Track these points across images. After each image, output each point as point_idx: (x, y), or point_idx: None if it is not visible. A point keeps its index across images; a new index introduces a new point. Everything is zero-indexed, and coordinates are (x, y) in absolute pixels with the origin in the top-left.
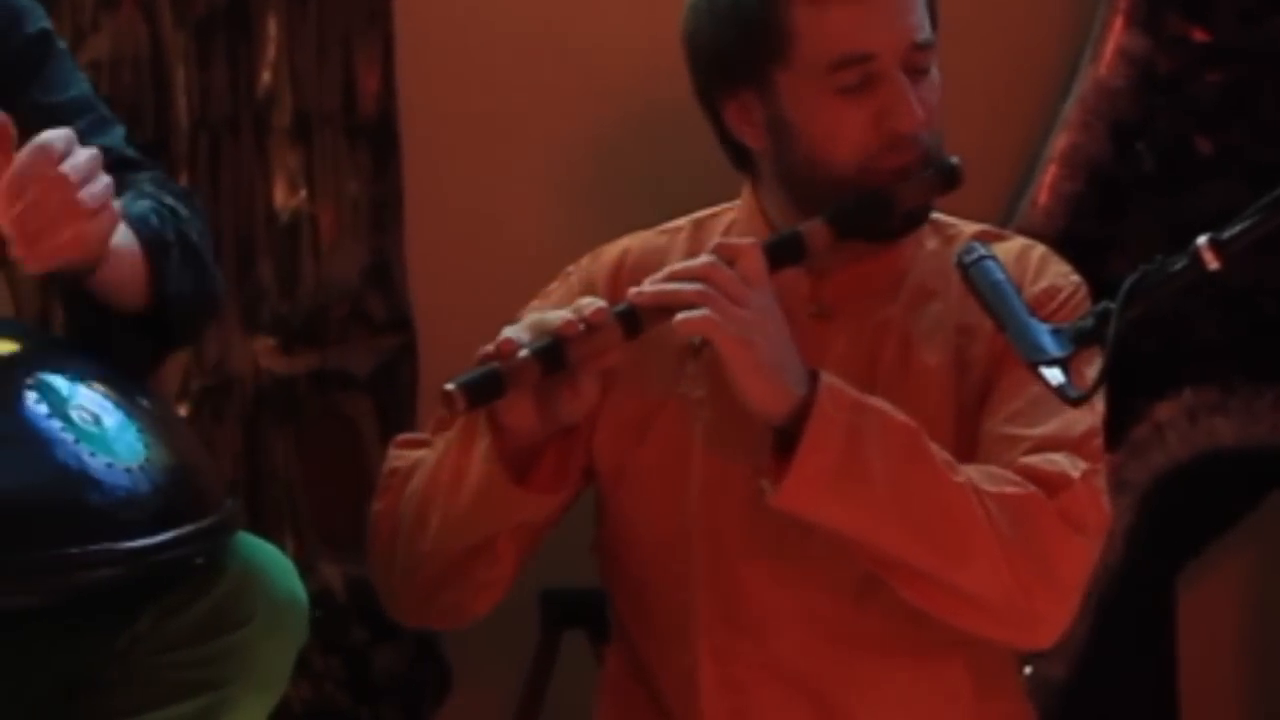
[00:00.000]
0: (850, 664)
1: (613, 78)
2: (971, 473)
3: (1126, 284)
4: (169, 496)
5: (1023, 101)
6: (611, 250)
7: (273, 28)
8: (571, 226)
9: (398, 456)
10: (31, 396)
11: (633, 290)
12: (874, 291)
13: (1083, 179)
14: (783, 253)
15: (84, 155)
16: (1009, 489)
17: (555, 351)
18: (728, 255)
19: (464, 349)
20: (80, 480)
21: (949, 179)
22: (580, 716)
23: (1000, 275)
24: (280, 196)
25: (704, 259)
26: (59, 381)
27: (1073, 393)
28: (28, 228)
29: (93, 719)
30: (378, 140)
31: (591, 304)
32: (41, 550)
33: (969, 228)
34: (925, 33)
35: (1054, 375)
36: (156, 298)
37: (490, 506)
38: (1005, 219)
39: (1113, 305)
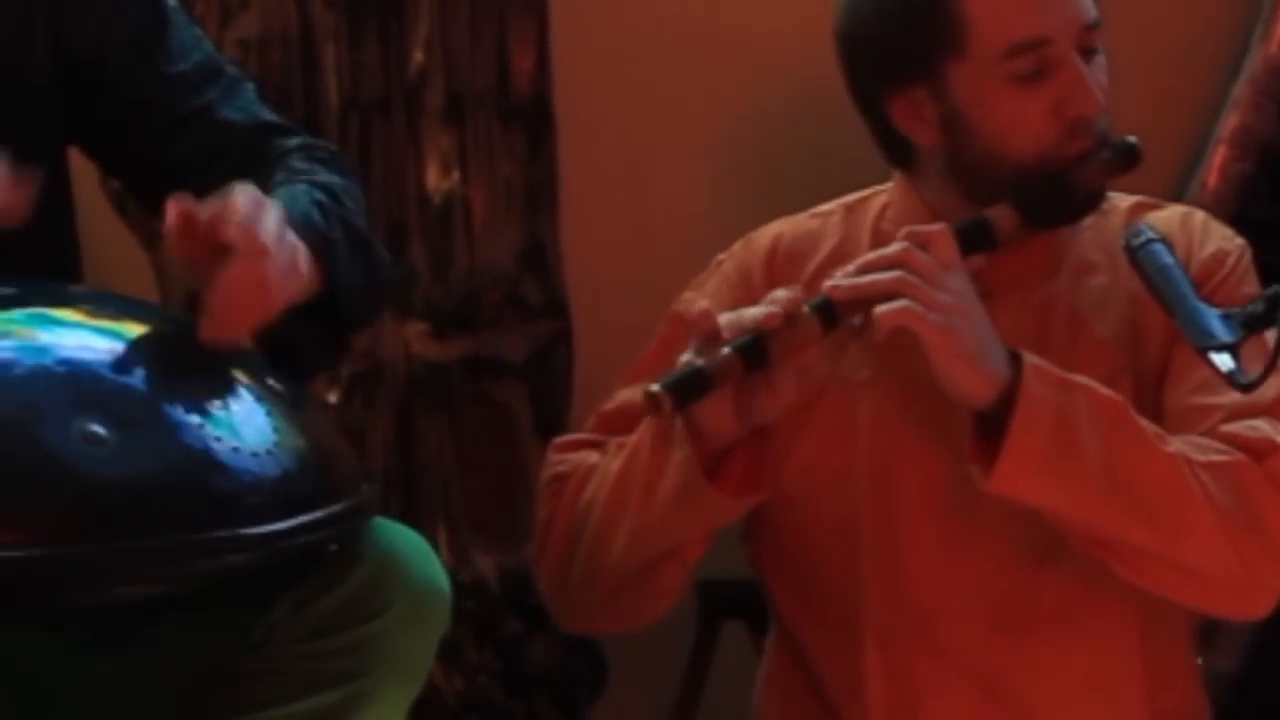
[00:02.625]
0: (1020, 649)
1: (770, 58)
2: (1177, 443)
3: None
4: (299, 481)
5: (1192, 81)
6: (763, 236)
7: (425, 5)
8: (729, 209)
9: (560, 461)
10: (156, 380)
11: (829, 283)
12: (1034, 269)
13: (1253, 160)
14: (973, 238)
15: (274, 216)
16: (1217, 457)
17: (757, 347)
18: (920, 241)
19: (620, 334)
20: (206, 465)
21: (1128, 159)
22: (739, 709)
23: (1168, 259)
24: (433, 179)
25: (898, 246)
26: (185, 365)
27: (1242, 379)
28: (241, 305)
29: (230, 711)
30: (532, 121)
31: (790, 297)
32: (166, 537)
33: (1124, 200)
34: (1094, 12)
35: (1223, 361)
36: (328, 292)
37: (688, 512)
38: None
39: None
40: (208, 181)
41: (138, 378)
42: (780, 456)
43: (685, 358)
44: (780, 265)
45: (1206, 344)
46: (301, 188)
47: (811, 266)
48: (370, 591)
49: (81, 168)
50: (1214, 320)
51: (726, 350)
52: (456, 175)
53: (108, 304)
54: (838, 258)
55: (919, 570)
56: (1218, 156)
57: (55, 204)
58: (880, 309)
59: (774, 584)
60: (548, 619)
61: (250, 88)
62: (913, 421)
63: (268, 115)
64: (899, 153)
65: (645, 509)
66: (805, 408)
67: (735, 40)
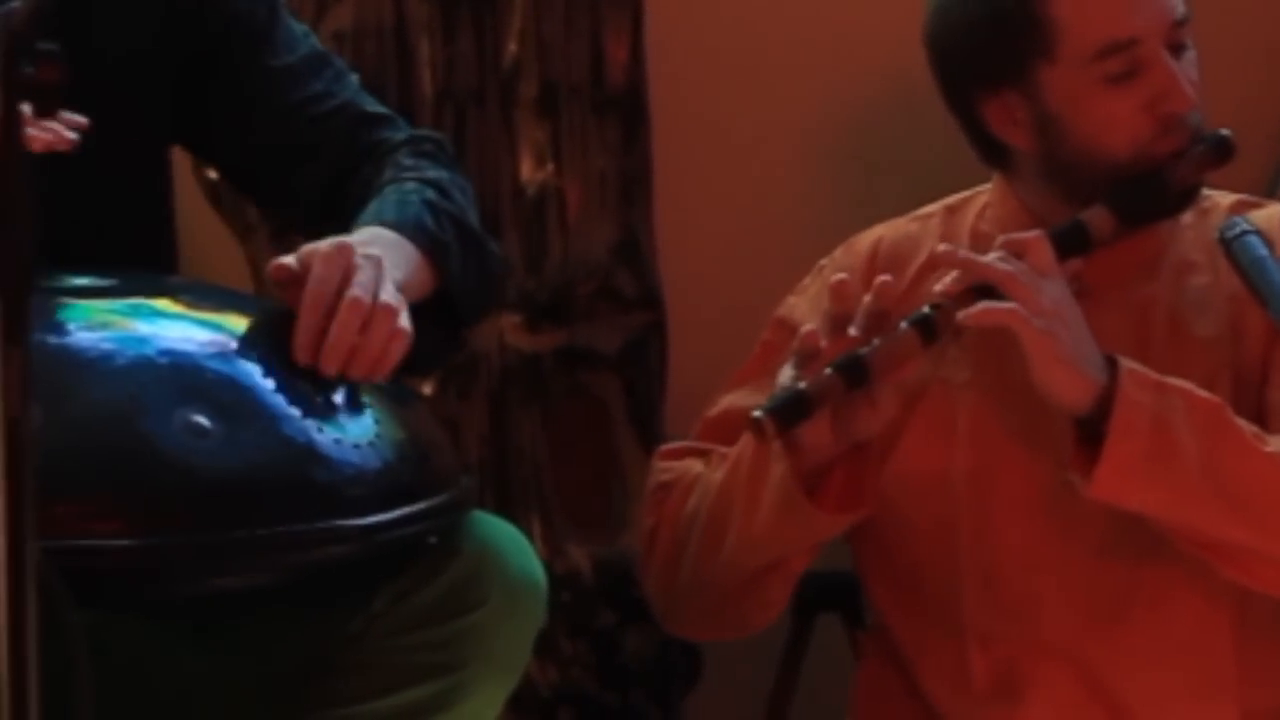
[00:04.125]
0: (1117, 643)
1: (867, 49)
2: (1277, 443)
3: None
4: (400, 473)
5: None
6: (864, 240)
7: None
8: (824, 200)
9: (665, 469)
10: (259, 371)
11: (928, 304)
12: (1134, 269)
13: None
14: (1069, 243)
15: (366, 267)
16: None
17: (858, 366)
18: (1016, 249)
19: (714, 327)
20: (308, 456)
21: (1221, 152)
22: (834, 703)
23: (1262, 251)
24: (527, 170)
25: (994, 256)
26: (288, 356)
27: None
28: (355, 359)
29: (327, 703)
30: (626, 113)
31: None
32: (269, 528)
33: (1225, 199)
34: (1182, 8)
35: None
36: (442, 292)
37: (788, 527)
38: (1268, 195)
39: None
40: (312, 174)
41: (240, 369)
42: (878, 473)
43: (785, 376)
44: (881, 269)
45: None
46: (410, 186)
47: (912, 270)
48: (468, 585)
49: (175, 158)
50: None
51: (827, 371)
52: (551, 167)
53: (208, 295)
54: (937, 261)
55: (1017, 569)
56: None
57: (155, 196)
58: (985, 305)
59: (873, 581)
60: (642, 611)
61: (354, 79)
62: (1011, 423)
63: (373, 107)
64: (995, 155)
65: (747, 524)
66: (905, 410)
67: (832, 31)
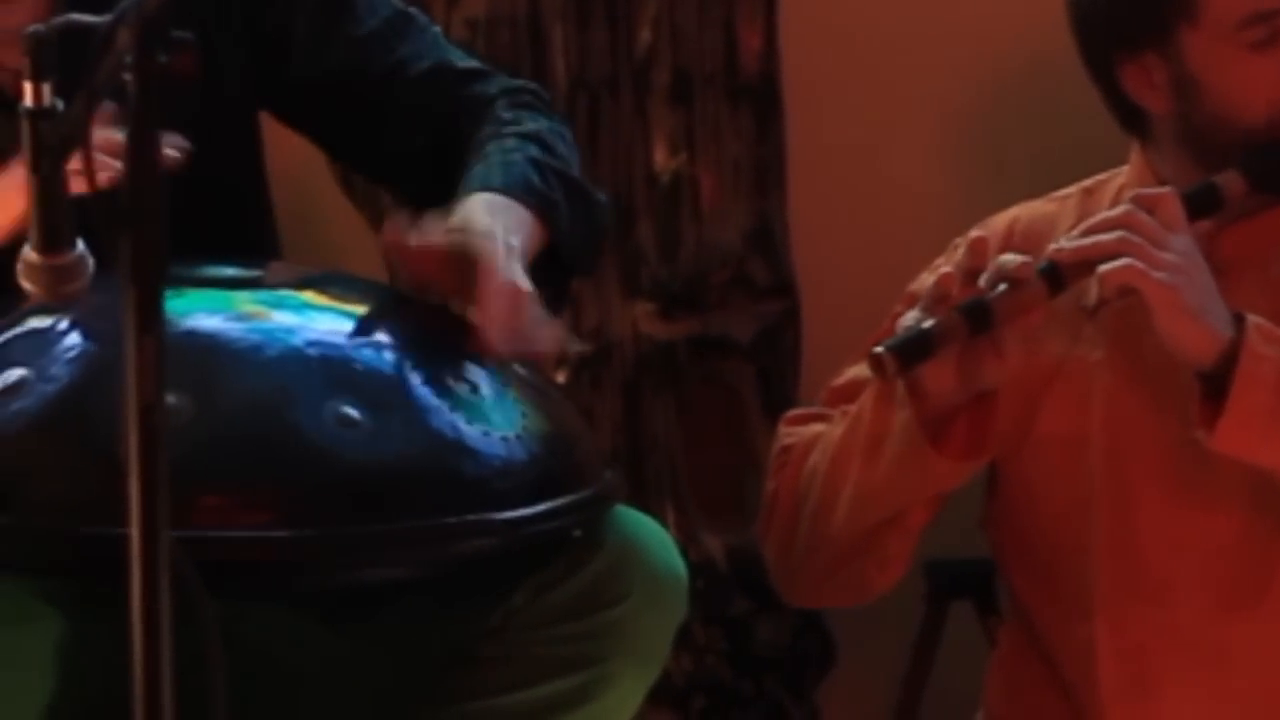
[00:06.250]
0: (1252, 627)
1: (1005, 38)
2: None
3: None
4: (546, 467)
5: None
6: (1001, 219)
7: None
8: (956, 189)
9: (789, 434)
10: (406, 363)
11: (1053, 246)
12: (1273, 244)
13: None
14: (1199, 203)
15: (519, 269)
16: None
17: (982, 310)
18: (1146, 204)
19: (847, 315)
20: (455, 449)
21: None
22: (967, 691)
23: None
24: (660, 158)
25: (1123, 208)
26: (435, 348)
27: None
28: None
29: (468, 695)
30: (760, 101)
31: (1015, 260)
32: (416, 520)
33: None
34: None
35: None
36: (551, 248)
37: (909, 476)
38: None
39: None
40: (408, 139)
41: (388, 361)
42: (997, 423)
43: (909, 318)
44: (1016, 249)
45: None
46: (512, 144)
47: (1047, 249)
48: (610, 578)
49: (310, 152)
50: None
51: (952, 312)
52: (684, 155)
53: (351, 286)
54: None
55: (1152, 549)
56: None
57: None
58: (1104, 267)
59: (1009, 563)
60: (776, 598)
61: (437, 33)
62: (1147, 401)
63: (463, 62)
64: (1132, 121)
65: (867, 472)
66: (1041, 385)
67: (964, 17)
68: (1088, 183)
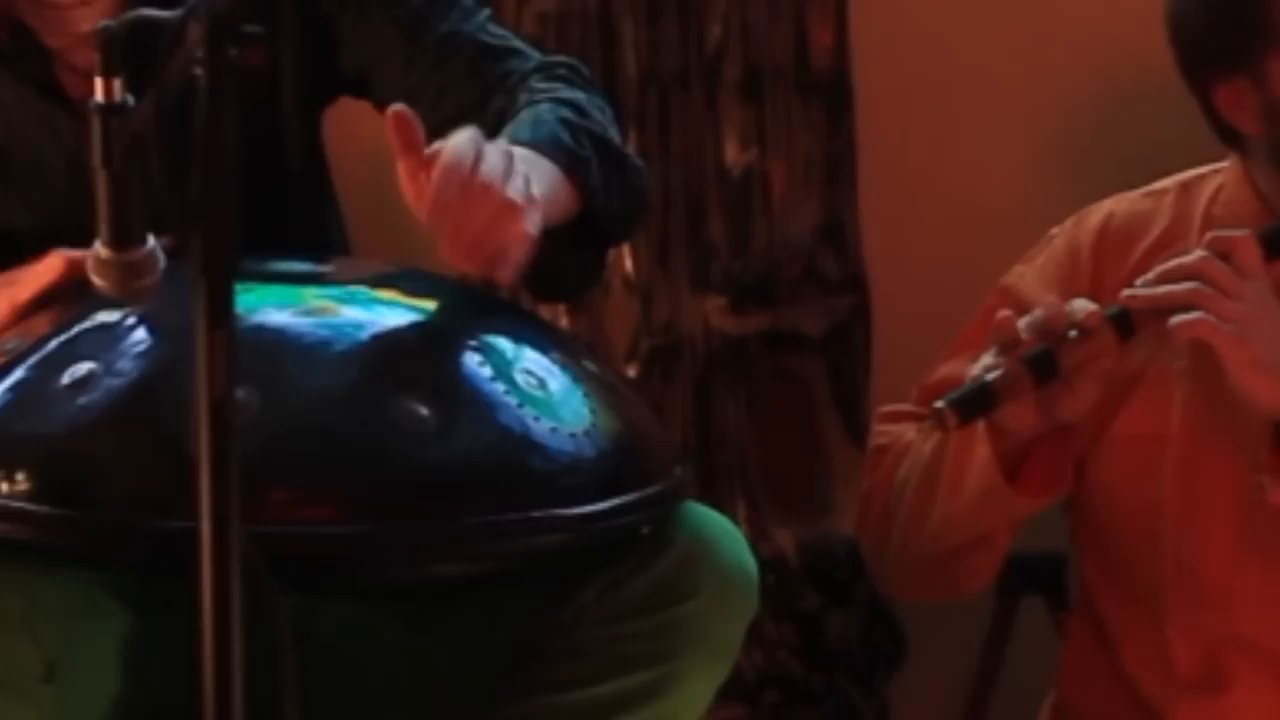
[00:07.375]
0: None
1: (1080, 30)
2: None
3: None
4: (615, 463)
5: None
6: (1095, 214)
7: None
8: (1027, 184)
9: (883, 433)
10: (475, 359)
11: (1125, 292)
12: None
13: None
14: (1277, 242)
15: (495, 154)
16: None
17: (1047, 360)
18: (1222, 248)
19: (918, 310)
20: (524, 445)
21: None
22: (1037, 685)
23: None
24: (731, 153)
25: (1197, 255)
26: (504, 344)
27: None
28: (476, 250)
29: (537, 691)
30: (831, 96)
31: (1084, 307)
32: (484, 516)
33: None
34: None
35: None
36: (585, 211)
37: (990, 508)
38: None
39: None
40: (440, 116)
41: (457, 356)
42: (1075, 456)
43: (979, 366)
44: (1110, 246)
45: None
46: (544, 106)
47: (1140, 249)
48: (680, 574)
49: (381, 144)
50: None
51: (1017, 363)
52: (755, 150)
53: (419, 281)
54: (1168, 240)
55: (1217, 563)
56: None
57: (309, 175)
58: (1174, 320)
59: (1086, 562)
60: (846, 593)
61: (472, 9)
62: (1223, 418)
63: (499, 40)
64: (1229, 136)
65: (951, 501)
66: (1124, 386)
67: (1036, 13)
68: (1184, 177)
